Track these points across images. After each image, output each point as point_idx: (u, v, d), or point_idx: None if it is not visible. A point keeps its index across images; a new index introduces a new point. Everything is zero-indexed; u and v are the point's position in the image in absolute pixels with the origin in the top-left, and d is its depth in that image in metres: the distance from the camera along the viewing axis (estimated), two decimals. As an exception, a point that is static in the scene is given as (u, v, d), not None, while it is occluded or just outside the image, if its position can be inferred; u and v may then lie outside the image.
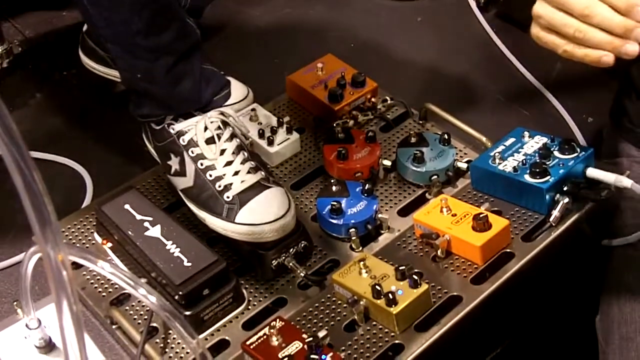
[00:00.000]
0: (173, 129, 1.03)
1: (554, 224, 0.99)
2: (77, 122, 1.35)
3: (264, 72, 1.44)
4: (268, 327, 0.89)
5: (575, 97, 1.40)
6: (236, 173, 1.01)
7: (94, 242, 1.08)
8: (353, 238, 1.06)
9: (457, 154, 1.16)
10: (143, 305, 1.00)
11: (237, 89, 1.33)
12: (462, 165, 1.15)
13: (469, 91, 1.41)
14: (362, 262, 0.94)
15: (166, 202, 1.14)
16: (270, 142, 1.19)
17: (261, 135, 1.20)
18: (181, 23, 1.00)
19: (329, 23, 1.56)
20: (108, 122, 1.34)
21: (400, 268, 0.91)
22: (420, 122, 1.25)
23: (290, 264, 1.02)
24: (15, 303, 0.97)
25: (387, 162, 1.17)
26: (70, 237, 1.10)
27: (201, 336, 0.96)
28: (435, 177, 1.12)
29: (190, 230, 1.05)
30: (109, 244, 1.07)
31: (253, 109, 1.23)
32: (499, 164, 1.04)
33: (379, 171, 1.16)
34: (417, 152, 1.14)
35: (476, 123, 1.23)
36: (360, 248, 1.06)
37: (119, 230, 1.04)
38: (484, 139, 1.17)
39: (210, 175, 1.02)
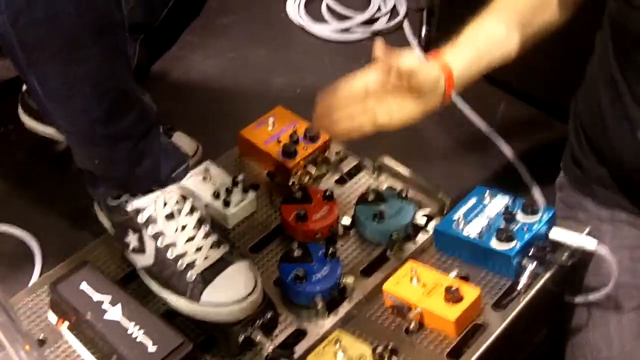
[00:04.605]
0: (131, 206, 0.95)
1: (522, 291, 0.95)
2: (19, 183, 1.24)
3: (210, 122, 1.37)
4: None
5: (520, 139, 1.39)
6: (198, 249, 0.94)
7: (47, 323, 0.98)
8: (319, 306, 1.00)
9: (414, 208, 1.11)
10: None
11: (187, 145, 1.26)
12: (421, 221, 1.11)
13: (418, 138, 1.38)
14: (337, 344, 0.88)
15: (121, 272, 1.06)
16: (227, 204, 1.12)
17: (216, 196, 1.12)
18: (140, 105, 0.91)
19: (273, 67, 1.50)
20: (52, 182, 1.24)
21: (377, 350, 0.86)
22: (374, 174, 1.21)
23: (258, 337, 0.95)
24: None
25: (346, 222, 1.11)
26: (22, 317, 0.99)
27: None
28: (396, 234, 1.08)
29: (150, 307, 0.97)
30: (66, 323, 0.97)
31: (207, 169, 1.15)
32: (463, 228, 1.00)
33: (338, 230, 1.11)
34: (377, 210, 1.09)
35: (428, 171, 1.20)
36: (327, 314, 1.00)
37: (77, 313, 0.94)
38: (439, 194, 1.13)
39: (172, 253, 0.94)
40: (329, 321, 0.99)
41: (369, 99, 0.98)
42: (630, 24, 0.95)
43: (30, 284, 1.11)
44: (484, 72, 1.04)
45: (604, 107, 1.03)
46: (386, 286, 0.97)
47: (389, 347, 0.88)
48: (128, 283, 1.03)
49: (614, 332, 0.99)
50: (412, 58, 0.97)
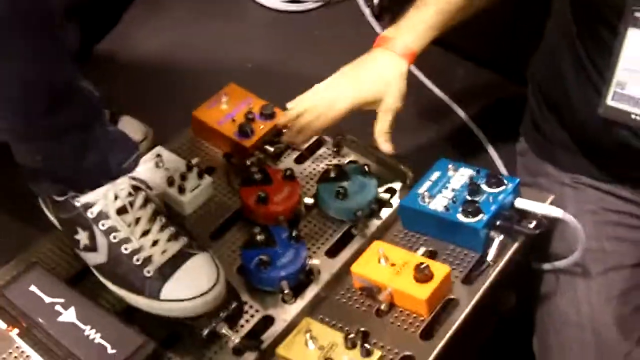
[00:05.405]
0: (79, 201, 0.88)
1: (491, 263, 0.92)
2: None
3: (159, 103, 1.29)
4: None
5: (477, 104, 1.35)
6: (155, 243, 0.88)
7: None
8: (286, 291, 0.95)
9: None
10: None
11: (136, 130, 1.19)
12: (385, 195, 1.07)
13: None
14: (307, 333, 0.84)
15: (72, 269, 0.99)
16: (182, 190, 1.06)
17: (171, 183, 1.06)
18: (82, 94, 0.84)
19: (223, 41, 1.43)
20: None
21: (350, 336, 0.82)
22: (335, 149, 1.16)
23: (223, 329, 0.90)
24: None
25: (309, 201, 1.06)
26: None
27: None
28: (360, 211, 1.04)
29: (107, 306, 0.92)
30: (16, 330, 0.91)
31: (158, 154, 1.09)
32: (429, 202, 0.96)
33: (301, 209, 1.06)
34: (340, 188, 1.04)
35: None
36: (294, 298, 0.96)
37: (27, 318, 0.88)
38: (402, 166, 1.09)
39: (126, 249, 0.88)
40: (296, 306, 0.95)
41: None
42: None
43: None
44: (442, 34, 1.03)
45: (566, 75, 1.01)
46: (354, 268, 0.93)
47: (360, 331, 0.84)
48: (81, 281, 0.97)
49: (582, 297, 0.98)
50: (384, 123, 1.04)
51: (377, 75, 1.03)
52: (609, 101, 0.91)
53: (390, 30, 1.06)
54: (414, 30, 1.03)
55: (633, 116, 0.90)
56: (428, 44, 1.04)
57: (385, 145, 1.04)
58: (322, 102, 1.05)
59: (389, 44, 1.04)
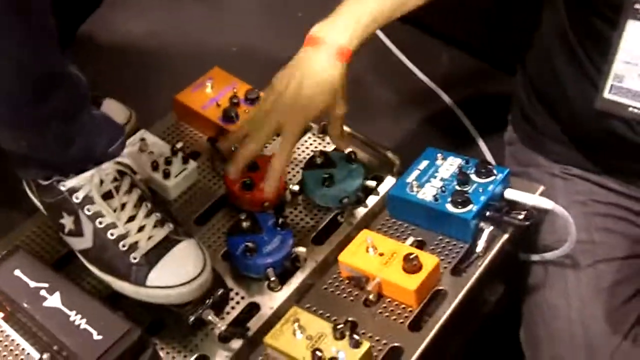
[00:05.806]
0: (64, 186, 0.87)
1: (481, 254, 0.92)
2: None
3: (142, 86, 1.27)
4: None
5: (464, 91, 1.35)
6: (141, 229, 0.87)
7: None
8: (272, 278, 0.95)
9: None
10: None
11: (119, 113, 1.17)
12: (371, 183, 1.06)
13: (362, 94, 1.32)
14: (295, 323, 0.83)
15: (56, 253, 0.98)
16: (167, 175, 1.05)
17: (155, 167, 1.05)
18: (69, 80, 0.82)
19: (208, 24, 1.41)
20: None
21: (338, 327, 0.82)
22: (320, 135, 1.15)
23: (209, 317, 0.90)
24: None
25: (295, 187, 1.06)
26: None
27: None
28: (347, 199, 1.03)
29: (92, 291, 0.91)
30: (1, 314, 0.90)
31: (142, 138, 1.08)
32: (417, 192, 0.96)
33: (287, 197, 1.06)
34: (326, 175, 1.04)
35: (373, 129, 1.15)
36: (280, 287, 0.95)
37: (12, 302, 0.87)
38: (389, 153, 1.09)
39: (112, 234, 0.86)
40: (282, 294, 0.94)
41: None
42: None
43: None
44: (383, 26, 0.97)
45: (560, 70, 1.00)
46: (342, 257, 0.92)
47: (349, 322, 0.84)
48: (66, 265, 0.96)
49: (572, 289, 0.98)
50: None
51: (322, 86, 0.93)
52: (606, 94, 0.90)
53: (322, 26, 0.95)
54: (345, 29, 0.93)
55: (630, 109, 0.90)
56: (365, 40, 0.94)
57: (343, 145, 1.04)
58: (269, 125, 0.95)
59: (320, 45, 0.94)
